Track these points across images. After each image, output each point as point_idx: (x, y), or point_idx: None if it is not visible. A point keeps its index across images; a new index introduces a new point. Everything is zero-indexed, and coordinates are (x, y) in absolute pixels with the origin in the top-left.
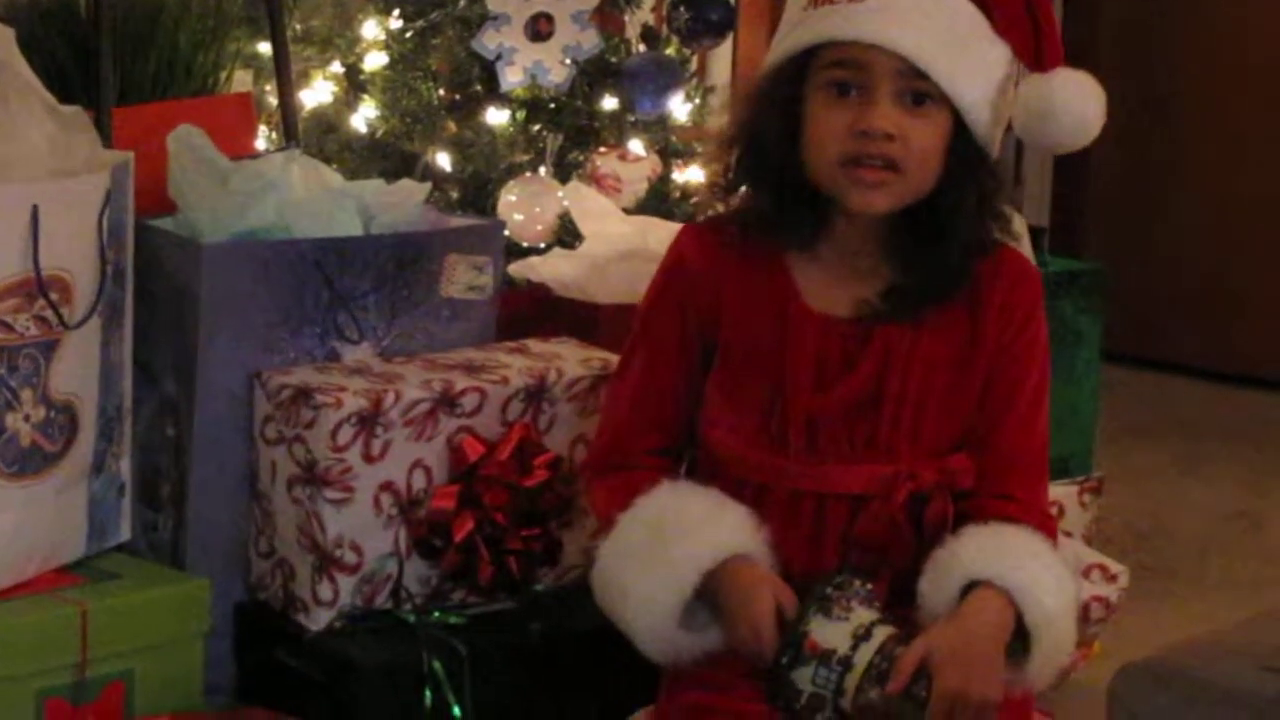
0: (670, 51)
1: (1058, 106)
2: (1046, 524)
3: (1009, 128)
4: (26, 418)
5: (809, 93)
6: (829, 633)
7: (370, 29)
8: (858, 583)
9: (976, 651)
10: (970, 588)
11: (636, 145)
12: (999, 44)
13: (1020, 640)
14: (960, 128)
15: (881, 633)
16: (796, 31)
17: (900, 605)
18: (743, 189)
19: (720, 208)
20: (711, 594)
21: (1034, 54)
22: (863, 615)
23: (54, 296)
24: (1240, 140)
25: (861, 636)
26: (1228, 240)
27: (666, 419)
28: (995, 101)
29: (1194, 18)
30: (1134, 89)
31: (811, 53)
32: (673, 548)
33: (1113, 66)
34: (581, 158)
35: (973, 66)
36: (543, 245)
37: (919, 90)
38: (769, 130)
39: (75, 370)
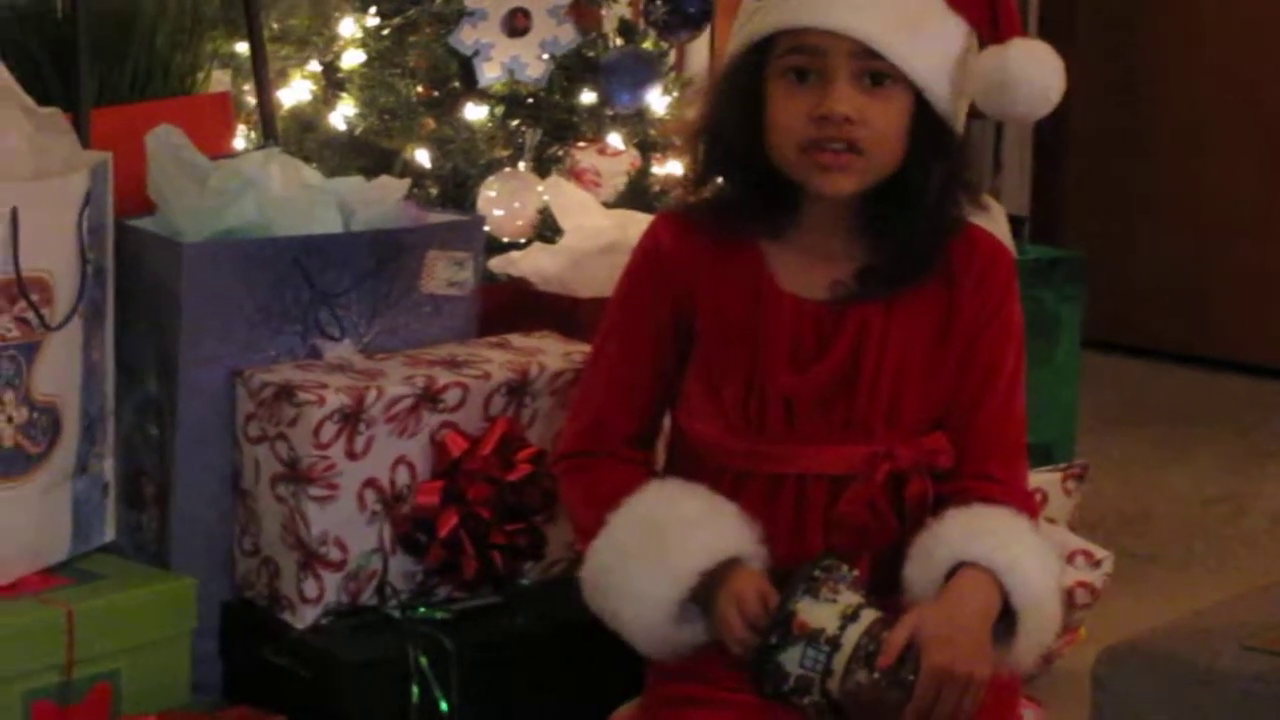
0: (648, 45)
1: (1015, 76)
2: (1028, 505)
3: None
4: (9, 419)
5: (768, 81)
6: (817, 613)
7: (347, 27)
8: (844, 567)
9: (964, 630)
10: (955, 570)
11: (615, 139)
12: (953, 18)
13: (1006, 621)
14: (921, 105)
15: (869, 615)
16: (752, 22)
17: (882, 592)
18: (714, 179)
19: (694, 199)
20: (706, 592)
21: (989, 25)
22: (850, 598)
23: (35, 297)
24: (1220, 127)
25: (849, 618)
26: (1208, 227)
27: (642, 405)
28: (954, 76)
29: (1174, 3)
30: (1114, 75)
31: (768, 42)
32: (670, 548)
33: (1093, 51)
34: (560, 152)
35: (928, 43)
36: (523, 240)
37: (876, 71)
38: (732, 121)
39: (57, 371)
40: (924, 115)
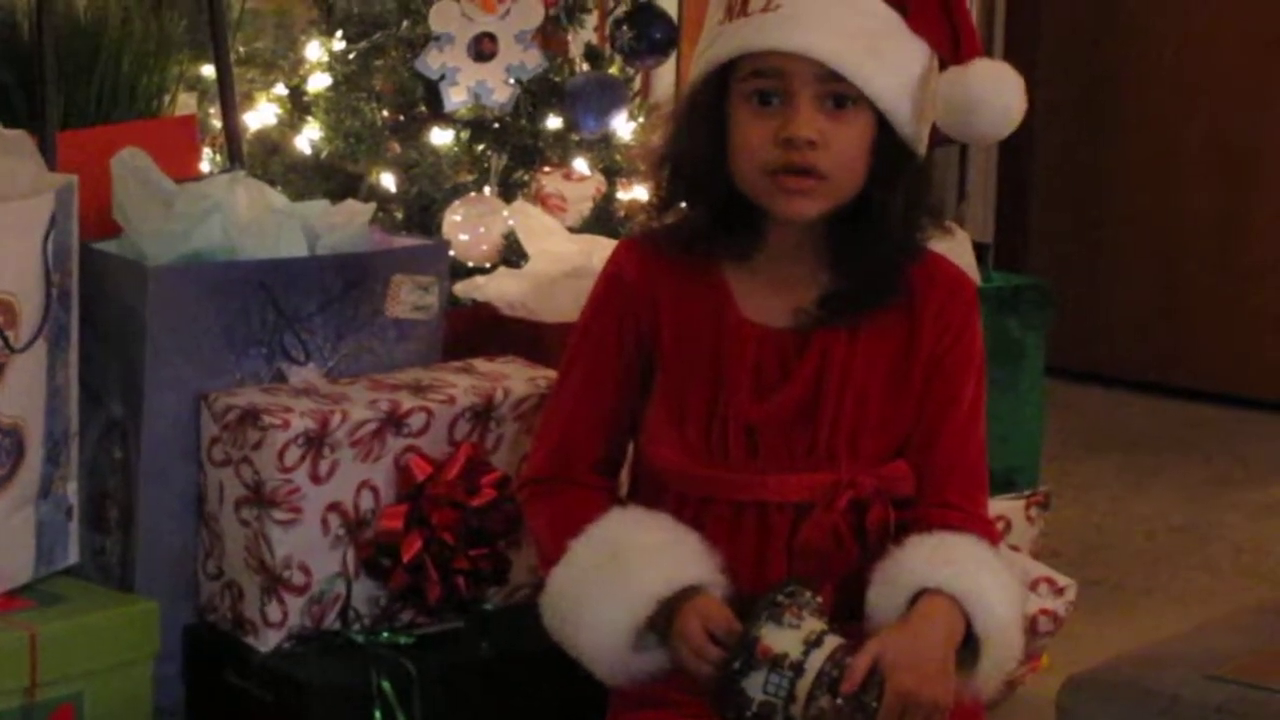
0: (614, 71)
1: (977, 97)
2: (989, 532)
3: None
4: None
5: (732, 105)
6: (781, 638)
7: (314, 50)
8: (808, 593)
9: (928, 655)
10: (918, 596)
11: (581, 164)
12: (915, 40)
13: (968, 648)
14: (884, 127)
15: (832, 641)
16: (714, 46)
17: (845, 619)
18: (678, 205)
19: (656, 226)
20: (664, 620)
21: (950, 46)
22: (814, 623)
23: None
24: (1185, 153)
25: (813, 643)
26: (1172, 255)
27: (606, 432)
28: (916, 98)
29: (1135, 26)
30: (1077, 97)
31: (731, 66)
32: (631, 575)
33: (1056, 74)
34: (526, 177)
35: (890, 65)
36: (488, 265)
37: (838, 94)
38: (696, 146)
39: (21, 393)
40: (886, 138)
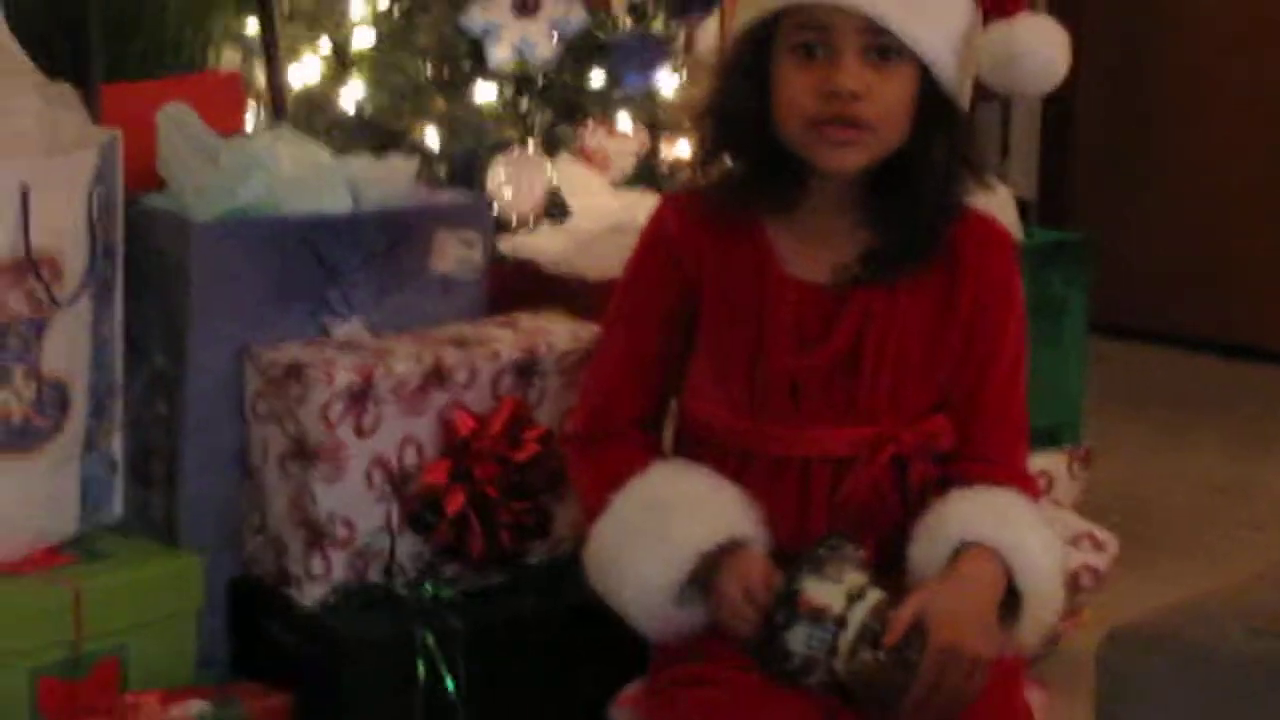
0: (657, 26)
1: (1022, 51)
2: (1030, 487)
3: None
4: (18, 395)
5: (776, 58)
6: (823, 592)
7: (358, 7)
8: (850, 547)
9: (970, 608)
10: (959, 550)
11: (624, 120)
12: None
13: (1010, 602)
14: (927, 80)
15: (874, 595)
16: None
17: (886, 574)
18: (722, 160)
19: (701, 181)
20: (706, 574)
21: (995, 0)
22: (856, 577)
23: (44, 274)
24: (1229, 107)
25: (855, 597)
26: (1217, 210)
27: (650, 388)
28: (960, 51)
29: None
30: (1122, 52)
31: (775, 19)
32: (672, 529)
33: (1101, 28)
34: (570, 133)
35: (934, 18)
36: (532, 220)
37: (883, 46)
38: (739, 99)
39: (66, 348)
40: (930, 91)
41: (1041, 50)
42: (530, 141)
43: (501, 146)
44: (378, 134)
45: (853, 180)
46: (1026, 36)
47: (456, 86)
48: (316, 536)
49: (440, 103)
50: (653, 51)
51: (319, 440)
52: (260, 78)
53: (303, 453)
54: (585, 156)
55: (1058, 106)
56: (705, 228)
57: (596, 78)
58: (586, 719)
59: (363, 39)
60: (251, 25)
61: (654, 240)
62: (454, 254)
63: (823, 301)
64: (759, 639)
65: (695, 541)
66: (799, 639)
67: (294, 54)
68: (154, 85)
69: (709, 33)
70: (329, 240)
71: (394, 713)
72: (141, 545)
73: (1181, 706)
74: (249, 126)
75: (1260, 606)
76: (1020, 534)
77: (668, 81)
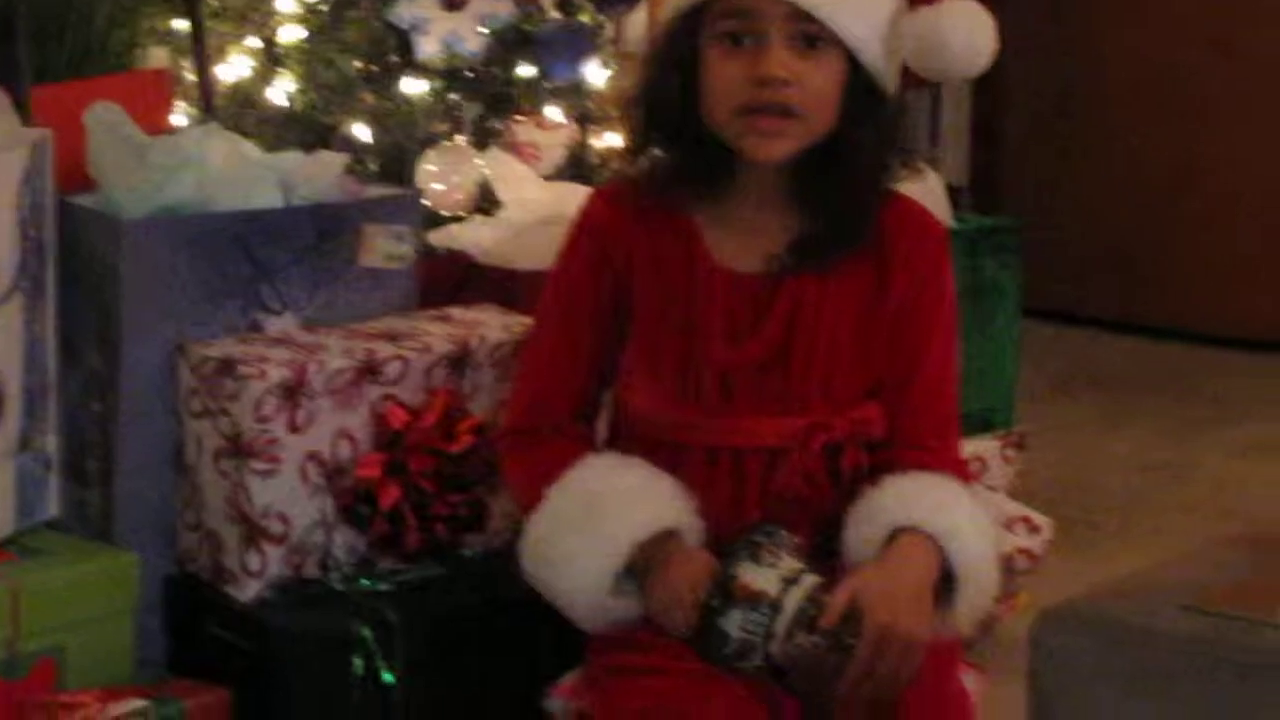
0: (585, 18)
1: (947, 36)
2: (962, 472)
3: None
4: None
5: (703, 47)
6: (758, 577)
7: (286, 2)
8: (784, 533)
9: (905, 591)
10: (894, 536)
11: (554, 112)
12: None
13: (945, 586)
14: (854, 68)
15: (809, 579)
16: None
17: (822, 560)
18: (651, 150)
19: (631, 171)
20: (641, 565)
21: None
22: (791, 562)
23: None
24: (1153, 93)
25: (790, 581)
26: (1144, 194)
27: (583, 382)
28: (886, 37)
29: None
30: (1049, 40)
31: (702, 7)
32: (607, 520)
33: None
34: (499, 126)
35: (860, 5)
36: (462, 213)
37: (810, 34)
38: (667, 88)
39: None
40: (857, 78)
41: (967, 36)
42: (460, 135)
43: (431, 140)
44: (307, 129)
45: (781, 169)
46: (952, 22)
47: (385, 81)
48: (252, 532)
49: (369, 97)
50: (581, 43)
51: (253, 436)
52: (189, 75)
53: (237, 449)
54: (515, 149)
55: (987, 92)
56: (635, 218)
57: (525, 70)
58: (524, 710)
59: (291, 34)
60: (179, 23)
61: (584, 232)
62: (384, 248)
63: (754, 291)
64: (695, 625)
65: (630, 533)
66: (734, 623)
67: (222, 51)
68: (82, 85)
69: (637, 23)
70: (260, 236)
71: (332, 707)
72: (77, 544)
73: (1113, 684)
74: (178, 124)
75: (1190, 585)
76: (954, 519)
77: (597, 73)
